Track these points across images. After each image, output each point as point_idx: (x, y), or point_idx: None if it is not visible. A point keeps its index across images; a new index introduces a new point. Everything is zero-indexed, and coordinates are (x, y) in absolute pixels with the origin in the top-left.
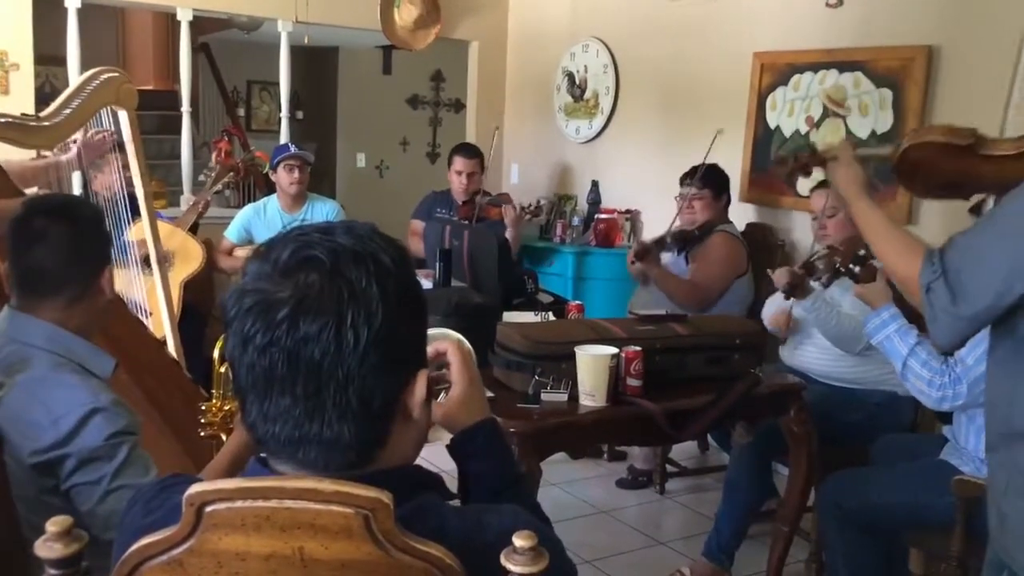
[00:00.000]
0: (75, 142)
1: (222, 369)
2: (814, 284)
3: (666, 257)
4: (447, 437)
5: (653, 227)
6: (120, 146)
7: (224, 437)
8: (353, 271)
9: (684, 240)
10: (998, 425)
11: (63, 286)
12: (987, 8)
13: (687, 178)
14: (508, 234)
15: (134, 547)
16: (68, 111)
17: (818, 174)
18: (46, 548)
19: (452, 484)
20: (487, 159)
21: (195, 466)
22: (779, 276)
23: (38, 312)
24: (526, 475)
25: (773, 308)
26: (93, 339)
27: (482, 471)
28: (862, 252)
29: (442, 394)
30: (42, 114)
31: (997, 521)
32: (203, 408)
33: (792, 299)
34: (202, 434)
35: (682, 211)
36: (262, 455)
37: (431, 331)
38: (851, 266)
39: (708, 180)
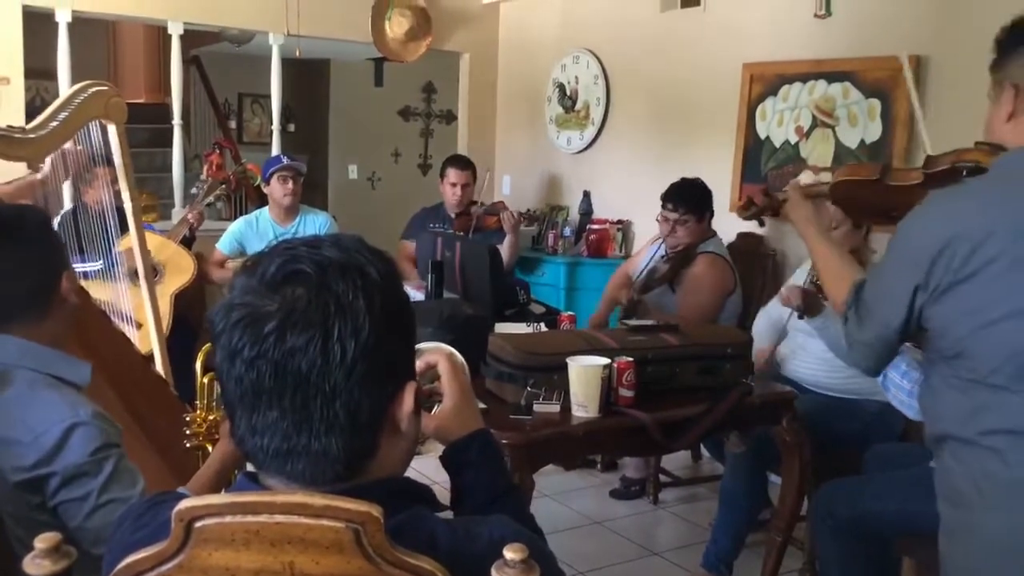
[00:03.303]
0: (50, 157)
1: (205, 380)
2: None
3: (652, 291)
4: (438, 449)
5: (645, 238)
6: (108, 160)
7: (209, 448)
8: (340, 284)
9: (670, 276)
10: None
11: (25, 309)
12: (974, 18)
13: (668, 199)
14: (508, 240)
15: (123, 563)
16: (55, 124)
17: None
18: (34, 565)
19: (442, 496)
20: (480, 188)
21: (179, 483)
22: (792, 296)
23: (9, 331)
24: (519, 486)
25: (767, 322)
26: (68, 347)
27: (475, 482)
28: None
29: (435, 407)
30: (28, 126)
31: None
32: (187, 419)
33: (805, 317)
34: (187, 445)
35: (665, 234)
36: (250, 470)
37: (424, 344)
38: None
39: (690, 203)
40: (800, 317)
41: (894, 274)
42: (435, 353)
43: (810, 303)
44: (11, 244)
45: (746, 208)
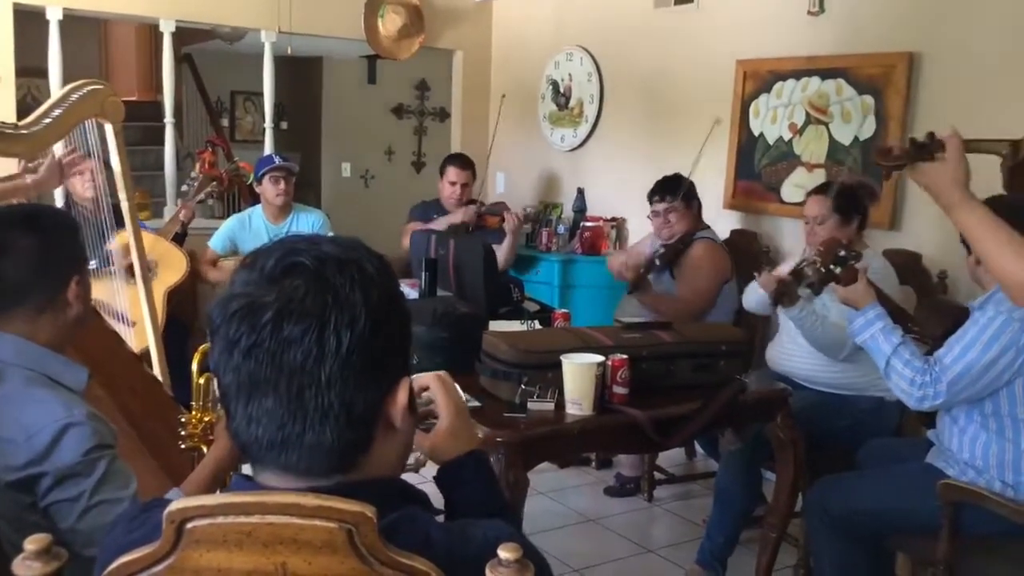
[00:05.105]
0: (45, 159)
1: (201, 380)
2: (802, 291)
3: (652, 273)
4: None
5: (639, 235)
6: (102, 157)
7: (204, 448)
8: (337, 277)
9: (671, 259)
10: None
11: (24, 298)
12: (967, 14)
13: (655, 194)
14: (507, 242)
15: (114, 564)
16: (48, 121)
17: (807, 178)
18: (24, 567)
19: (436, 499)
20: (489, 137)
21: (172, 483)
22: (766, 283)
23: (6, 326)
24: (512, 507)
25: (756, 297)
26: (66, 352)
27: (469, 501)
28: (842, 253)
29: (431, 427)
30: (21, 123)
31: None
32: (182, 420)
33: (780, 306)
34: (182, 446)
35: (659, 228)
36: (246, 472)
37: (417, 376)
38: (832, 267)
39: (675, 190)
40: (773, 305)
41: None
42: (427, 376)
43: (784, 292)
44: (29, 236)
45: (886, 154)
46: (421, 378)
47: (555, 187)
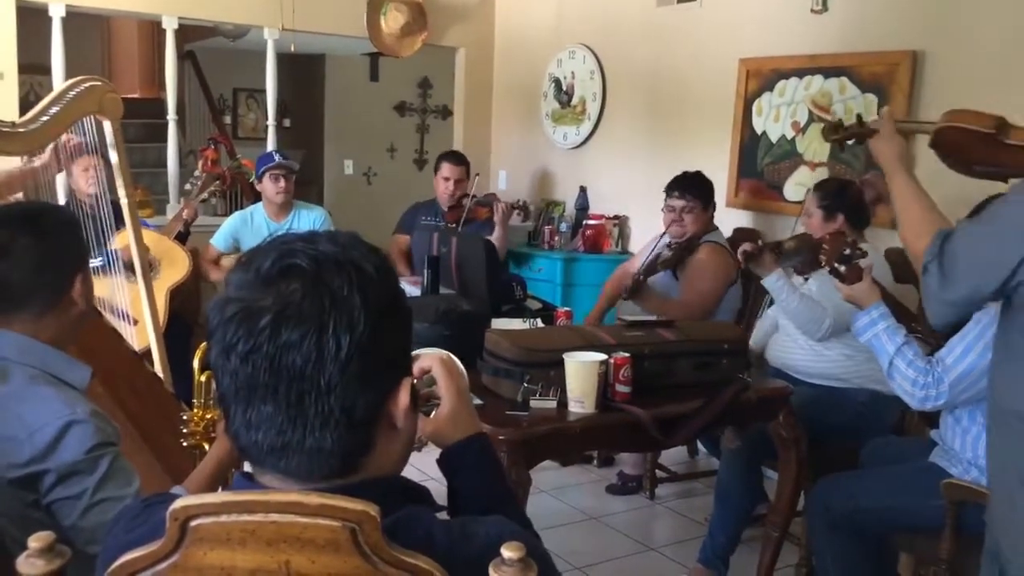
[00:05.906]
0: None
1: (203, 378)
2: (787, 271)
3: (654, 276)
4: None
5: (641, 233)
6: (95, 150)
7: (206, 446)
8: (335, 279)
9: (675, 262)
10: (990, 405)
11: (29, 299)
12: (971, 12)
13: (673, 189)
14: (496, 233)
15: (117, 563)
16: (46, 118)
17: (810, 177)
18: (28, 564)
19: (439, 495)
20: (470, 187)
21: (173, 482)
22: (742, 246)
23: (9, 325)
24: (515, 492)
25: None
26: (68, 350)
27: (472, 486)
28: (847, 251)
29: (433, 411)
30: (18, 120)
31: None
32: (184, 417)
33: (754, 270)
34: (184, 444)
35: (670, 223)
36: (247, 471)
37: (421, 351)
38: (836, 265)
39: (697, 190)
40: (743, 266)
41: (999, 239)
42: (430, 358)
43: (750, 256)
44: (31, 236)
45: (834, 130)
46: (423, 360)
47: (557, 185)
